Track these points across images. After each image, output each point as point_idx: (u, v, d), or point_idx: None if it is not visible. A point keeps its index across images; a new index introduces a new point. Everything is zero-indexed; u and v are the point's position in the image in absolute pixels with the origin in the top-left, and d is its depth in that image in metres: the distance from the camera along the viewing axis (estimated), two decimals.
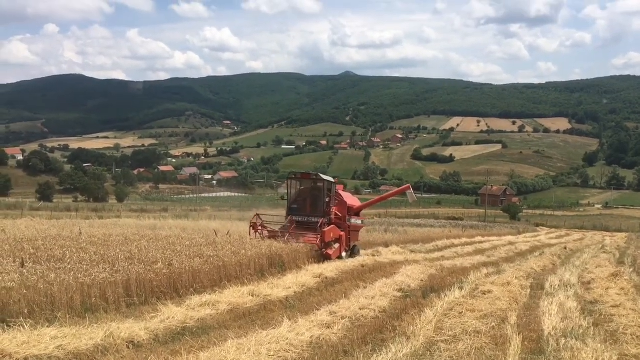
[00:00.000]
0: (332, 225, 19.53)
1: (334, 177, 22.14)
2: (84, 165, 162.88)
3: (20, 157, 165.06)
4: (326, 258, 18.53)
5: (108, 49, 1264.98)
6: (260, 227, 20.07)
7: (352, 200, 22.72)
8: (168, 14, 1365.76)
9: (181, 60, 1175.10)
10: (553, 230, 66.50)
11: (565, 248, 32.62)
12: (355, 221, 22.04)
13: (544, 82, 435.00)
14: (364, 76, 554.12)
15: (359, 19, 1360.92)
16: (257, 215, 20.58)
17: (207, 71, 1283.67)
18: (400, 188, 25.83)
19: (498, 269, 19.82)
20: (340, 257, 19.56)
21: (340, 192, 21.98)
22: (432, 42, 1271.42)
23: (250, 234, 19.76)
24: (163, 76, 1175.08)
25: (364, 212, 24.33)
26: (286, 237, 18.64)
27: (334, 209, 20.44)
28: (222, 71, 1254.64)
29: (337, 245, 19.62)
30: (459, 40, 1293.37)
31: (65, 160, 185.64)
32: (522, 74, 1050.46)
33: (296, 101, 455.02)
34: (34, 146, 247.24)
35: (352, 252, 21.39)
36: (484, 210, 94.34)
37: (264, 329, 8.74)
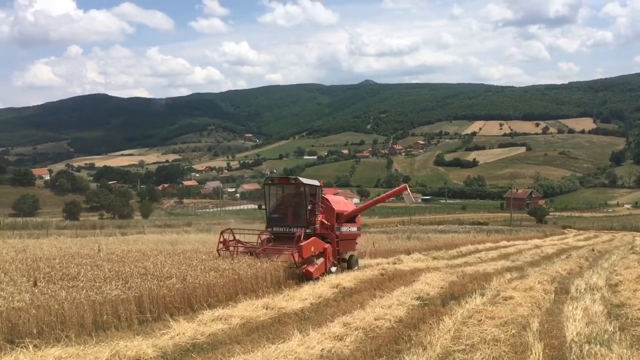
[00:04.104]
0: (312, 238, 16.79)
1: (319, 181, 19.71)
2: (110, 182, 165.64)
3: (47, 177, 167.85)
4: (306, 277, 15.88)
5: (130, 68, 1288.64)
6: (234, 243, 17.57)
7: (342, 205, 20.07)
8: (187, 30, 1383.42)
9: (201, 75, 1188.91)
10: (581, 232, 65.16)
11: (593, 250, 31.84)
12: (348, 229, 19.61)
13: (566, 82, 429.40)
14: (384, 84, 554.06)
15: (376, 27, 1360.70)
16: (230, 229, 18.03)
17: (227, 85, 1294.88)
18: (396, 189, 22.68)
19: (522, 273, 19.33)
20: (327, 273, 17.04)
21: (329, 196, 19.57)
22: (451, 47, 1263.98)
23: (219, 252, 17.14)
24: (184, 92, 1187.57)
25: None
26: (259, 254, 16.64)
27: (319, 217, 18.09)
28: (242, 85, 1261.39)
29: (320, 261, 16.79)
30: (478, 44, 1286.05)
31: (91, 178, 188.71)
32: (543, 75, 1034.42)
33: (317, 111, 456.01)
34: (60, 166, 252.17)
35: (349, 264, 19.21)
36: (509, 214, 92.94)
37: (273, 343, 8.52)
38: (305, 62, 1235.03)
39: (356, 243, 21.22)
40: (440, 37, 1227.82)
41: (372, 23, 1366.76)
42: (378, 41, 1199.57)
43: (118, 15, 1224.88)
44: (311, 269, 16.10)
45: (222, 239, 17.36)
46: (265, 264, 15.30)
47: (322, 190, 18.89)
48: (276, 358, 7.63)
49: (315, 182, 18.85)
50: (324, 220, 18.18)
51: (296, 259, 15.89)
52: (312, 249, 16.40)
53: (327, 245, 17.32)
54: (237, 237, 17.98)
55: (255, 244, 17.97)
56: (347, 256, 19.65)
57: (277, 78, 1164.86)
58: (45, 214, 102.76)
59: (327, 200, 18.88)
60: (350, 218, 19.96)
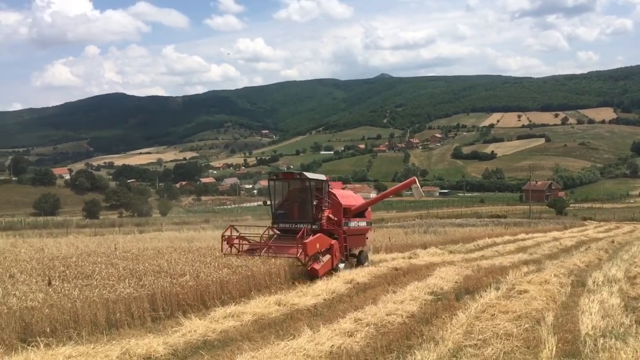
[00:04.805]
0: (317, 234, 16.38)
1: (325, 175, 19.38)
2: (128, 181, 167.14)
3: (67, 177, 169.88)
4: (312, 275, 15.44)
5: (146, 67, 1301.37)
6: (238, 240, 17.27)
7: (350, 199, 19.53)
8: (202, 28, 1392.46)
9: (217, 72, 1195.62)
10: (602, 223, 64.26)
11: (613, 242, 31.38)
12: (357, 223, 19.20)
13: (585, 72, 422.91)
14: (400, 77, 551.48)
15: (391, 20, 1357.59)
16: (232, 226, 17.69)
17: (243, 82, 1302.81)
18: (405, 182, 22.07)
19: (539, 266, 19.11)
20: (335, 270, 16.59)
21: (336, 191, 19.16)
22: (467, 39, 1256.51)
23: (223, 250, 16.90)
24: (200, 90, 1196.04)
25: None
26: (263, 252, 16.26)
27: (326, 213, 17.69)
28: (258, 81, 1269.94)
29: (326, 258, 16.31)
30: (495, 35, 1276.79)
31: (111, 177, 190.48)
32: (562, 65, 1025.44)
33: (333, 106, 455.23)
34: (80, 165, 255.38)
35: (359, 260, 18.80)
36: (528, 207, 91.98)
37: (283, 340, 8.51)
38: (321, 57, 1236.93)
39: (366, 238, 20.84)
40: (457, 28, 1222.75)
41: (387, 16, 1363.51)
42: (393, 34, 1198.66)
43: (134, 15, 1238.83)
44: (317, 266, 15.66)
45: (225, 238, 17.07)
46: (278, 260, 15.26)
47: (328, 185, 18.48)
48: (285, 355, 7.60)
49: (321, 177, 18.53)
50: (330, 216, 17.78)
51: (302, 257, 15.45)
52: (318, 245, 15.99)
53: (333, 242, 16.89)
54: (241, 235, 17.67)
55: (259, 241, 17.66)
56: (356, 252, 19.28)
57: (292, 74, 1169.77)
58: (65, 213, 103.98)
59: (334, 194, 18.48)
60: (359, 212, 19.52)
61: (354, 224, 18.90)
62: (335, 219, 17.90)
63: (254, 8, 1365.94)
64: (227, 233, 17.21)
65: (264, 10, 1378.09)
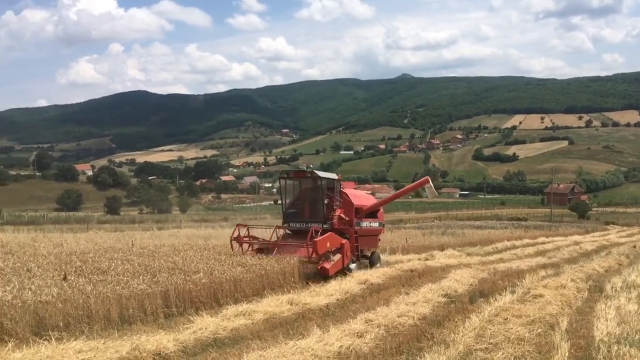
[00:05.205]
0: (328, 233, 16.05)
1: (337, 174, 19.03)
2: (150, 178, 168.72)
3: (90, 173, 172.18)
4: (323, 274, 15.23)
5: (169, 65, 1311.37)
6: (250, 238, 17.06)
7: (362, 199, 19.31)
8: (224, 27, 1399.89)
9: (239, 71, 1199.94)
10: (625, 228, 63.14)
11: (635, 246, 30.83)
12: (369, 224, 18.97)
13: (610, 74, 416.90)
14: (421, 78, 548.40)
15: (413, 20, 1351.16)
16: (239, 226, 17.42)
17: (264, 81, 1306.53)
18: (418, 182, 21.54)
19: (557, 270, 18.85)
20: (348, 271, 16.36)
21: (348, 190, 18.77)
22: (490, 40, 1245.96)
23: (233, 249, 16.71)
24: (222, 88, 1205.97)
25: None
26: (275, 252, 16.06)
27: (337, 212, 17.39)
28: (279, 80, 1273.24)
29: (337, 257, 15.99)
30: (518, 36, 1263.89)
31: (132, 174, 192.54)
32: (586, 67, 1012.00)
33: (353, 106, 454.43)
34: (103, 162, 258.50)
35: (371, 262, 18.62)
36: (550, 210, 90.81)
37: (292, 339, 8.50)
38: (342, 56, 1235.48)
39: (379, 239, 20.57)
40: (479, 29, 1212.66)
41: (408, 16, 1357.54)
42: (415, 35, 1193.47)
43: (157, 13, 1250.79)
44: (327, 265, 15.36)
45: (234, 236, 16.80)
46: (292, 259, 15.23)
47: (340, 184, 18.21)
48: (292, 354, 7.58)
49: (333, 176, 18.35)
50: (342, 215, 17.48)
51: (312, 256, 15.19)
52: (328, 244, 15.68)
53: (344, 241, 16.55)
54: (253, 233, 17.40)
55: (269, 240, 17.23)
56: (368, 253, 19.13)
57: (313, 73, 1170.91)
58: (87, 209, 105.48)
59: (346, 194, 18.19)
60: (371, 213, 19.30)
61: (366, 224, 18.70)
62: (347, 218, 17.62)
63: (276, 7, 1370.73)
64: (237, 233, 16.94)
65: (286, 9, 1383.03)
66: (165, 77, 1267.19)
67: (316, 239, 15.23)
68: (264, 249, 16.71)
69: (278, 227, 17.38)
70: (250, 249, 16.88)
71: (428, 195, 20.69)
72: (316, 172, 18.02)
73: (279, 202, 18.21)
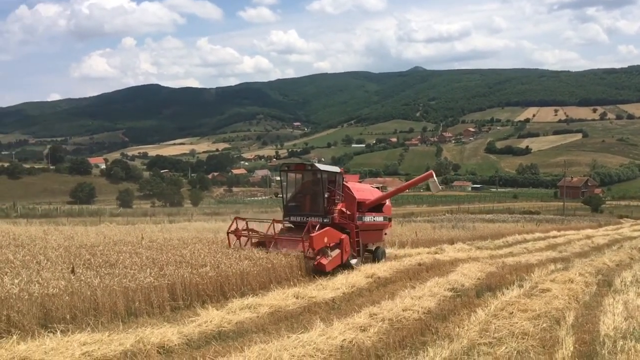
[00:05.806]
0: (326, 228, 15.67)
1: (340, 167, 18.50)
2: (162, 171, 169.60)
3: (103, 166, 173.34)
4: (320, 270, 14.82)
5: (181, 58, 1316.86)
6: (248, 232, 16.63)
7: (365, 193, 18.77)
8: (236, 20, 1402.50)
9: (250, 64, 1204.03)
10: (638, 221, 62.58)
11: None
12: (373, 218, 18.53)
13: (626, 66, 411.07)
14: (433, 70, 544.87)
15: (425, 13, 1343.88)
16: (237, 219, 17.05)
17: (275, 74, 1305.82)
18: (422, 176, 21.00)
19: (567, 265, 18.72)
20: (352, 266, 16.13)
21: (351, 184, 18.36)
22: (503, 32, 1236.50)
23: (230, 244, 16.38)
24: (233, 81, 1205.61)
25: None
26: (271, 245, 15.69)
27: (339, 206, 16.97)
28: (290, 73, 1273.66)
29: (335, 252, 15.52)
30: (532, 27, 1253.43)
31: (145, 167, 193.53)
32: (601, 59, 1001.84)
33: (365, 99, 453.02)
34: (115, 155, 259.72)
35: (375, 256, 18.23)
36: (562, 203, 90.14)
37: (294, 333, 8.54)
38: (354, 49, 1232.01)
39: (384, 234, 20.21)
40: (492, 21, 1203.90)
41: (420, 8, 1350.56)
42: (427, 27, 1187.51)
43: (169, 7, 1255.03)
44: (324, 261, 14.93)
45: (231, 229, 16.50)
46: (288, 254, 14.90)
47: (343, 178, 17.83)
48: (294, 348, 7.61)
49: (335, 169, 17.99)
50: (343, 209, 17.11)
51: (308, 251, 14.86)
52: (326, 239, 15.31)
53: (344, 236, 16.11)
54: (250, 228, 16.88)
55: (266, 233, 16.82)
56: (373, 247, 18.88)
57: (325, 66, 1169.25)
58: (100, 202, 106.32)
59: (348, 188, 17.83)
60: (376, 207, 18.91)
61: (369, 218, 18.31)
62: (349, 213, 17.22)
63: (287, 0, 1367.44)
64: (234, 226, 16.63)
65: (297, 2, 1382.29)
66: (177, 71, 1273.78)
67: (312, 234, 14.95)
68: (264, 242, 16.40)
69: (275, 220, 16.94)
70: (248, 242, 16.59)
71: (432, 189, 20.22)
72: (317, 165, 17.74)
73: (280, 195, 17.98)
